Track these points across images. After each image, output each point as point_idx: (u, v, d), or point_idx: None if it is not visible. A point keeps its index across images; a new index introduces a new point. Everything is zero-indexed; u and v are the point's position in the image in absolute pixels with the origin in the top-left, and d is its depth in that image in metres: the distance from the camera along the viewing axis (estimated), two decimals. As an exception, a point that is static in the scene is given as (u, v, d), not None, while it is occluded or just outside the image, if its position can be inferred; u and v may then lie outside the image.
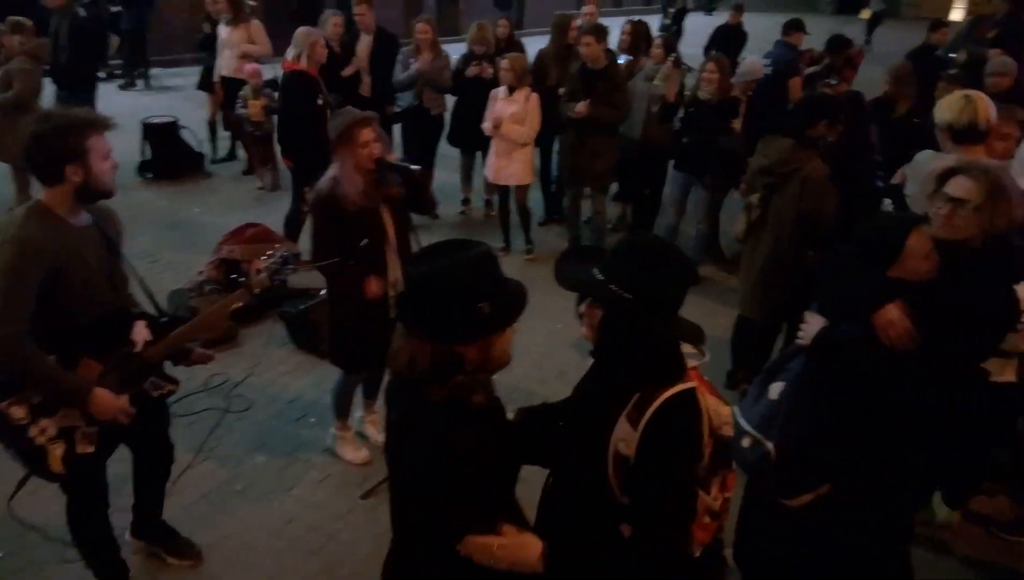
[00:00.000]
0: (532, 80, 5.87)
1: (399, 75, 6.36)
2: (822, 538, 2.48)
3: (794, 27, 7.34)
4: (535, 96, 5.76)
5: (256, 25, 7.53)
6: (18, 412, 2.41)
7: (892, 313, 2.23)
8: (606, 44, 5.50)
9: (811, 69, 7.10)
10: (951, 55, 6.47)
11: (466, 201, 7.29)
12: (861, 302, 2.31)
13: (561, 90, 5.81)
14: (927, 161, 3.44)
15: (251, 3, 7.77)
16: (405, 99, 6.53)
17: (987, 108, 3.21)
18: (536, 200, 6.91)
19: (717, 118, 5.31)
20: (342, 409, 3.81)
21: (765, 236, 4.19)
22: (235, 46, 7.40)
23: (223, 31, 7.48)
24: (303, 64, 5.40)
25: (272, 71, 7.73)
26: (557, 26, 6.39)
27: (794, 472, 2.40)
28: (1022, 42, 5.83)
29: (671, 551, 1.86)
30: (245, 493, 3.62)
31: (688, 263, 1.92)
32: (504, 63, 5.74)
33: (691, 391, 1.81)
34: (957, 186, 2.29)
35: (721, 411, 1.94)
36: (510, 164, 5.85)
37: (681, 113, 5.47)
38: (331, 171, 3.36)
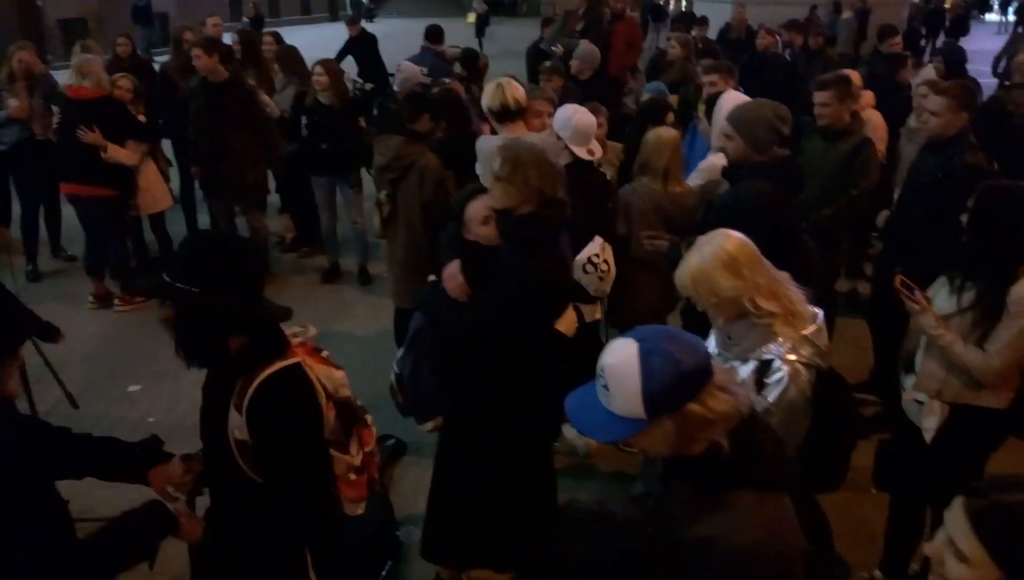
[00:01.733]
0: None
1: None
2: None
3: (436, 34, 7.47)
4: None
5: None
6: None
7: (449, 269, 2.57)
8: (220, 56, 5.36)
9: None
10: (552, 48, 7.34)
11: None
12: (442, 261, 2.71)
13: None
14: (482, 143, 3.96)
15: None
16: (10, 134, 5.80)
17: (514, 91, 3.77)
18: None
19: (343, 120, 5.45)
20: None
21: (400, 228, 4.43)
22: None
23: None
24: (107, 88, 5.21)
25: None
26: (173, 39, 6.18)
27: (410, 400, 2.83)
28: (601, 32, 6.81)
29: (315, 516, 1.99)
30: None
31: (254, 250, 2.03)
32: (123, 82, 5.52)
33: (294, 366, 1.92)
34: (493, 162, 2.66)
35: (334, 376, 2.10)
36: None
37: (305, 121, 5.54)
38: None
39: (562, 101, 4.41)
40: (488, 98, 3.85)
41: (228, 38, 6.75)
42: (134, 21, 16.95)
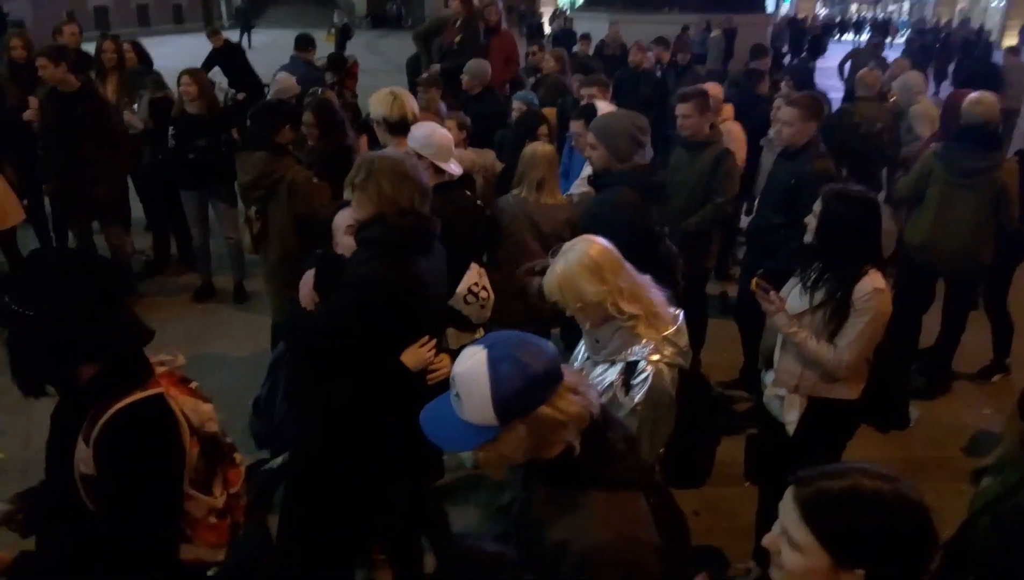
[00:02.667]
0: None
1: None
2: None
3: (307, 43, 7.39)
4: None
5: None
6: None
7: (304, 277, 2.57)
8: (68, 66, 5.02)
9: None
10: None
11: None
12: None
13: (27, 114, 5.34)
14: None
15: None
16: None
17: (413, 104, 3.68)
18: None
19: (215, 129, 5.23)
20: None
21: (273, 243, 4.27)
22: None
23: None
24: None
25: None
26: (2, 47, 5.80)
27: (264, 427, 2.81)
28: (478, 46, 6.86)
29: (149, 562, 1.81)
30: None
31: (106, 267, 1.89)
32: None
33: (154, 397, 1.77)
34: None
35: (201, 410, 1.93)
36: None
37: (172, 132, 5.27)
38: None
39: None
40: (383, 108, 3.57)
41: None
42: (-19, 31, 15.75)
